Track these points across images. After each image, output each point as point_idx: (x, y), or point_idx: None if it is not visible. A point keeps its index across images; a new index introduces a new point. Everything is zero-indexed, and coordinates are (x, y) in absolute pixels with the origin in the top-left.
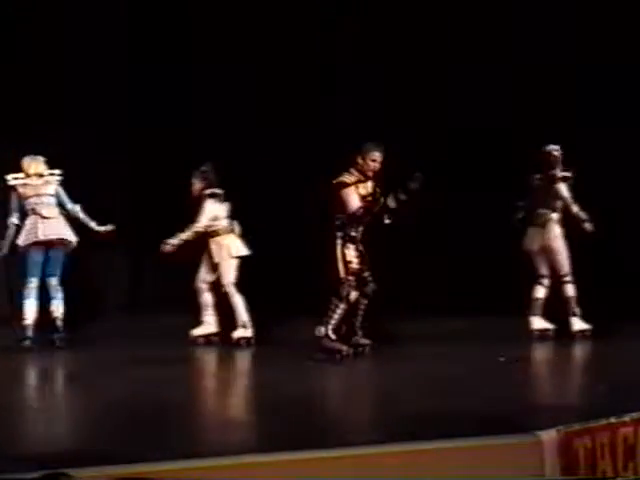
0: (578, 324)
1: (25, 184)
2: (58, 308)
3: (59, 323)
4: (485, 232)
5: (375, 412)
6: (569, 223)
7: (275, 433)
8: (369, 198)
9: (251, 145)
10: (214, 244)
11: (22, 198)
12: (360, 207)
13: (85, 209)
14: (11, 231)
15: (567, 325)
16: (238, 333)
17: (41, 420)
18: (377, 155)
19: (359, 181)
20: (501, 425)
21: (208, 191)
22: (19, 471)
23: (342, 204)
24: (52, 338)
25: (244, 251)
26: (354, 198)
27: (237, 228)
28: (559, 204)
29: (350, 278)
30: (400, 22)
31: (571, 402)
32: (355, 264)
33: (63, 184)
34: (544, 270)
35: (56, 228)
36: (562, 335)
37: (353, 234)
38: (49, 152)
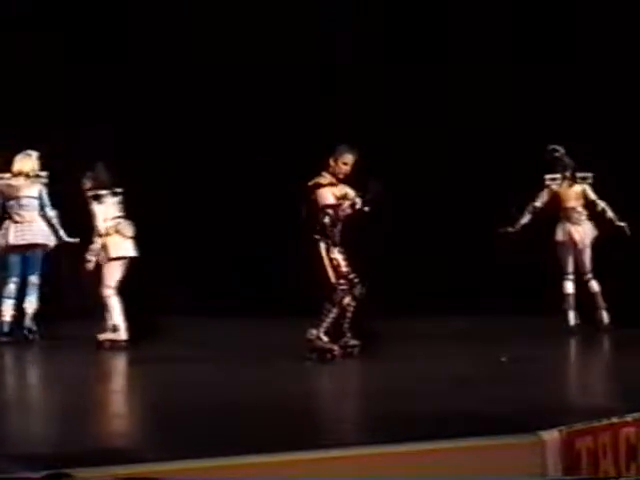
0: (606, 318)
1: (9, 185)
2: (31, 304)
3: (30, 318)
4: (483, 232)
5: (375, 412)
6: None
7: (272, 433)
8: (342, 200)
9: (251, 145)
10: (101, 245)
11: (5, 198)
12: (337, 204)
13: (75, 210)
14: None
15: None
16: (105, 335)
17: None
18: (349, 158)
19: (332, 183)
20: (502, 425)
21: (91, 193)
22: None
23: (318, 206)
24: (24, 333)
25: (129, 252)
26: (329, 198)
27: (128, 229)
28: (585, 203)
29: (342, 282)
30: (400, 22)
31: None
32: (343, 267)
33: (60, 185)
34: (570, 267)
35: (29, 233)
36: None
37: (334, 237)
38: (46, 151)
